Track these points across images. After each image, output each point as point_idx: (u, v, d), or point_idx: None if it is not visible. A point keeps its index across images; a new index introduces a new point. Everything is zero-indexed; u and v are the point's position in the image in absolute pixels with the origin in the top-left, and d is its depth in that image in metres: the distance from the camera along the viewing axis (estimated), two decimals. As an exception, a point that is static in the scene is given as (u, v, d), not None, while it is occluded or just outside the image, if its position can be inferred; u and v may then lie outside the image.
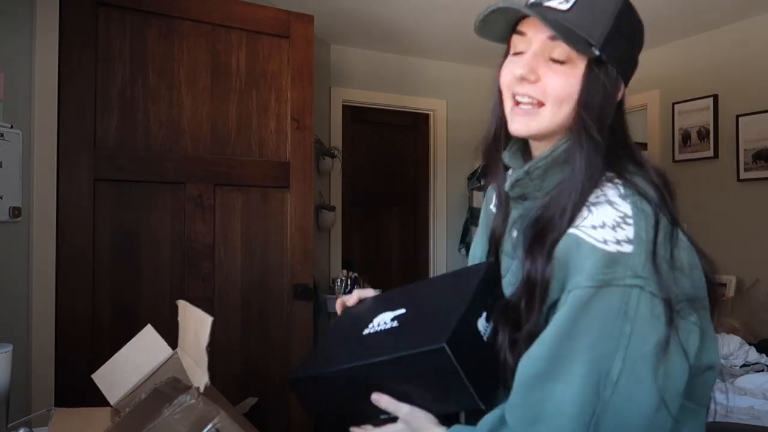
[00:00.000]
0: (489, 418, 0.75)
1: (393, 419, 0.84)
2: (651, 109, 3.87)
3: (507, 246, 0.88)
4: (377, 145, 4.26)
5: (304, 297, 2.27)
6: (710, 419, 0.83)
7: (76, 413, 1.08)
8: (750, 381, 2.29)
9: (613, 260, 0.68)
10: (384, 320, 0.90)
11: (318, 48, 2.92)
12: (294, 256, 2.27)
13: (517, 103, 0.82)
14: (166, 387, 0.84)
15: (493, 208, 0.97)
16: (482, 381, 0.77)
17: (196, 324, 1.01)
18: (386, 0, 3.13)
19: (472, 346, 0.79)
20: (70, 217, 1.89)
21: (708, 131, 3.50)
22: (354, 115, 4.06)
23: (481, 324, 0.81)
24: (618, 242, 0.69)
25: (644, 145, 4.10)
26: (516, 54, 0.83)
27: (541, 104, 0.80)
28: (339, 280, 3.65)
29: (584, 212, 0.74)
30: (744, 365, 2.49)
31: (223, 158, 2.15)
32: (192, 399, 0.76)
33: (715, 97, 3.47)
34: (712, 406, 0.82)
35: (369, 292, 1.06)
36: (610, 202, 0.73)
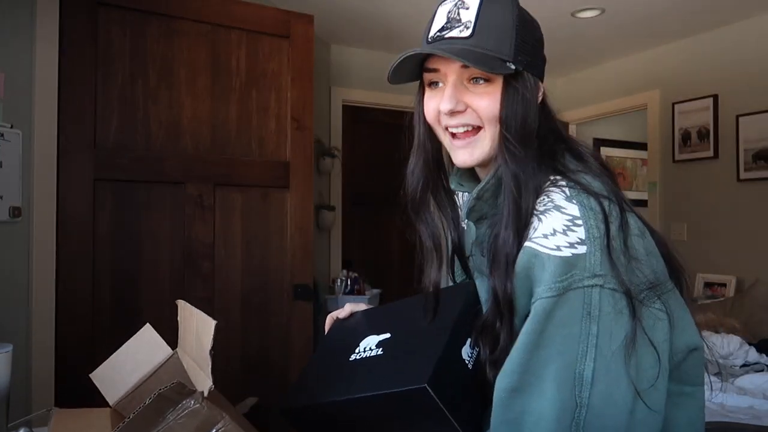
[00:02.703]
0: None
1: None
2: (651, 109, 3.87)
3: (475, 265, 0.89)
4: (377, 145, 4.25)
5: (304, 297, 2.27)
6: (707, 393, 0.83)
7: (76, 413, 1.08)
8: (750, 381, 2.29)
9: (569, 264, 0.69)
10: (369, 345, 0.91)
11: (318, 48, 2.92)
12: (294, 256, 2.27)
13: (454, 135, 0.83)
14: (170, 392, 0.84)
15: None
16: (468, 413, 0.77)
17: (198, 326, 1.01)
18: (386, 0, 3.13)
19: (457, 378, 0.78)
20: (70, 217, 1.89)
21: (708, 131, 3.50)
22: (354, 115, 4.06)
23: (466, 352, 0.81)
24: (571, 245, 0.70)
25: (644, 145, 4.10)
26: (432, 87, 0.84)
27: (478, 128, 0.81)
28: (339, 280, 3.65)
29: (534, 222, 0.74)
30: (744, 365, 2.49)
31: (223, 158, 2.15)
32: (196, 403, 0.76)
33: (715, 97, 3.47)
34: (707, 390, 0.83)
35: (361, 306, 1.08)
36: (558, 207, 0.74)
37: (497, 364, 0.75)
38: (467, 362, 0.80)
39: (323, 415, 0.91)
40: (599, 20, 3.35)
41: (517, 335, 0.73)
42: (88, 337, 1.90)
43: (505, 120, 0.79)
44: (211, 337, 0.87)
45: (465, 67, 0.79)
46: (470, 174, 0.93)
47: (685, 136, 3.63)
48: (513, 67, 0.78)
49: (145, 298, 2.01)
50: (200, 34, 2.12)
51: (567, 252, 0.69)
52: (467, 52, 0.76)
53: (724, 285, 3.37)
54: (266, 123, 2.25)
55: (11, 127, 1.80)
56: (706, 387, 0.84)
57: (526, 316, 0.74)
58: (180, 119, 2.08)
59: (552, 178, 0.79)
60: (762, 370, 2.41)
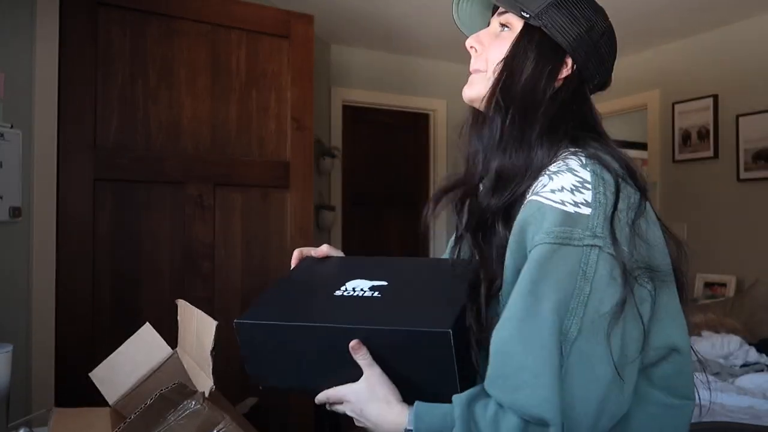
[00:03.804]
0: (466, 393, 0.72)
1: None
2: (651, 109, 3.87)
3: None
4: (377, 145, 4.25)
5: (304, 297, 2.27)
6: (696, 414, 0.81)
7: (76, 413, 1.08)
8: (750, 381, 2.28)
9: (571, 220, 0.69)
10: (360, 287, 0.89)
11: (318, 48, 2.92)
12: (294, 256, 2.27)
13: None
14: (171, 392, 0.84)
15: None
16: (465, 372, 0.77)
17: (198, 326, 1.01)
18: (386, 0, 3.13)
19: (463, 335, 0.79)
20: (70, 217, 1.89)
21: (708, 131, 3.50)
22: (354, 115, 4.06)
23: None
24: (576, 204, 0.70)
25: (644, 145, 4.10)
26: None
27: (480, 71, 0.86)
28: (339, 280, 3.65)
29: (544, 179, 0.74)
30: (744, 365, 2.49)
31: (223, 158, 2.15)
32: (197, 404, 0.76)
33: (715, 97, 3.47)
34: (698, 403, 0.80)
35: (339, 252, 1.07)
36: (571, 170, 0.74)
37: (489, 304, 0.77)
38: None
39: (289, 341, 0.85)
40: (599, 20, 3.35)
41: (509, 276, 0.73)
42: (88, 337, 1.90)
43: (507, 65, 0.82)
44: (212, 337, 0.87)
45: (499, 15, 0.85)
46: None
47: (685, 136, 3.63)
48: (526, 15, 0.80)
49: (145, 298, 2.01)
50: (200, 34, 2.12)
51: (571, 208, 0.70)
52: None
53: (724, 285, 3.37)
54: (266, 123, 2.25)
55: (11, 127, 1.80)
56: (703, 388, 0.83)
57: (517, 269, 0.72)
58: (180, 119, 2.08)
59: (571, 149, 0.77)
60: (762, 370, 2.41)
